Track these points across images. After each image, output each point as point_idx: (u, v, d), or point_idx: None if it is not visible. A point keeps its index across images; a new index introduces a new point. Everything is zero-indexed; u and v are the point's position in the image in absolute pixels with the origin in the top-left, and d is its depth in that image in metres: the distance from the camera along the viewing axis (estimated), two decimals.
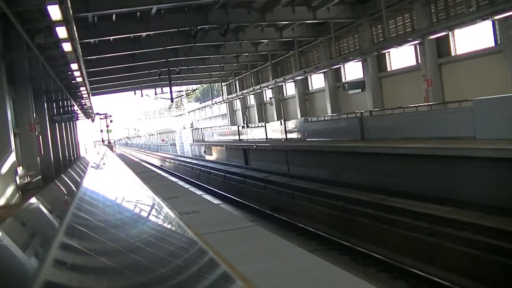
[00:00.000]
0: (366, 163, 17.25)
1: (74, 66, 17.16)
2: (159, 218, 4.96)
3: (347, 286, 3.97)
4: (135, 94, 47.58)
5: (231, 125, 47.82)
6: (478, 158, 12.13)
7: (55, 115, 27.63)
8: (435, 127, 15.57)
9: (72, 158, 34.86)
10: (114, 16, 21.61)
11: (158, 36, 26.26)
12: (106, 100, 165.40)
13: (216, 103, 52.59)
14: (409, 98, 21.94)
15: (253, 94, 42.69)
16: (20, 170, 17.01)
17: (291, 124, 28.49)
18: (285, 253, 5.04)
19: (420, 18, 21.62)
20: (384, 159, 16.10)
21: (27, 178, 17.90)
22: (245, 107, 48.25)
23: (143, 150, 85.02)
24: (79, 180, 8.76)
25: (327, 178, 19.43)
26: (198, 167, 34.94)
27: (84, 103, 37.53)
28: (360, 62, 26.89)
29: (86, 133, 69.07)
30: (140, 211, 5.39)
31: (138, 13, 21.87)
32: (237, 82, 47.48)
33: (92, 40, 23.89)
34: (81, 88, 26.30)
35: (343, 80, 30.25)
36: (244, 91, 43.11)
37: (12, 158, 15.36)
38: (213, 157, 40.94)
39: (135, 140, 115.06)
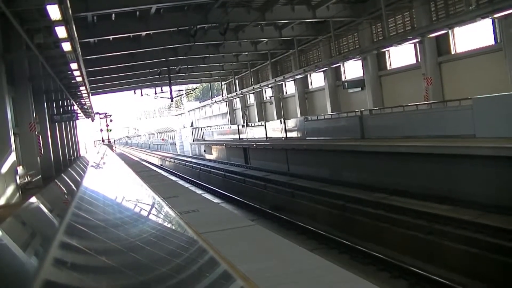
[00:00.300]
0: (366, 162, 17.24)
1: (73, 65, 17.16)
2: (159, 217, 4.96)
3: (347, 285, 3.97)
4: (135, 93, 47.63)
5: (231, 124, 47.85)
6: (478, 156, 12.12)
7: (55, 114, 27.63)
8: (435, 126, 15.56)
9: (72, 158, 34.87)
10: (113, 15, 21.61)
11: (158, 35, 26.26)
12: (106, 100, 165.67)
13: (216, 102, 52.60)
14: (409, 97, 21.92)
15: (253, 93, 42.70)
16: (20, 169, 17.02)
17: (291, 123, 28.49)
18: (285, 252, 5.04)
19: (420, 17, 21.61)
20: (384, 157, 16.09)
21: (27, 178, 17.91)
22: (245, 106, 48.25)
23: (143, 149, 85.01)
24: (79, 180, 8.76)
25: (327, 177, 19.42)
26: (198, 166, 34.93)
27: (84, 102, 37.55)
28: (360, 61, 26.87)
29: (86, 132, 69.11)
30: (140, 210, 5.40)
31: (138, 13, 21.87)
32: (237, 81, 47.49)
33: (91, 40, 23.90)
34: (81, 88, 26.32)
35: (343, 79, 30.24)
36: (244, 90, 43.11)
37: (12, 157, 15.37)
38: (213, 156, 40.95)
39: (135, 140, 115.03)
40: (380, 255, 10.18)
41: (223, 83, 51.25)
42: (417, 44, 22.04)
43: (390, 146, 15.83)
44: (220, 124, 52.00)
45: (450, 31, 19.65)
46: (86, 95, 31.36)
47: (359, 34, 27.13)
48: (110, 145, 50.43)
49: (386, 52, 25.22)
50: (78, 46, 14.76)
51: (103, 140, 55.44)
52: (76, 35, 13.07)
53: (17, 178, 15.68)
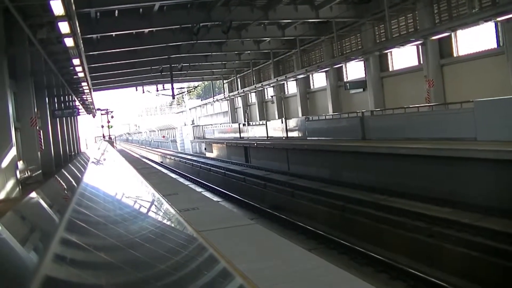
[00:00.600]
0: (366, 163, 17.24)
1: (76, 61, 17.16)
2: (159, 215, 4.97)
3: (345, 286, 3.98)
4: (136, 90, 47.62)
5: (232, 123, 47.84)
6: (479, 159, 12.11)
7: (56, 110, 27.60)
8: (436, 128, 15.56)
9: (73, 153, 34.85)
10: (116, 12, 21.60)
11: (161, 32, 26.25)
12: (107, 96, 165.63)
13: (217, 100, 52.58)
14: (410, 99, 21.93)
15: (255, 92, 42.69)
16: (20, 164, 17.01)
17: (292, 123, 28.49)
18: (284, 252, 5.05)
19: (423, 19, 21.58)
20: (384, 159, 16.08)
21: (28, 173, 17.89)
22: (246, 105, 48.23)
23: (144, 146, 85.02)
24: (80, 176, 8.77)
25: (327, 177, 19.43)
26: (198, 164, 34.92)
27: (85, 98, 37.50)
28: (362, 62, 26.84)
29: (87, 128, 69.12)
30: (141, 207, 5.40)
31: (141, 9, 21.88)
32: (238, 79, 47.46)
33: (94, 36, 23.91)
34: (83, 84, 26.30)
35: (345, 80, 30.21)
36: (245, 89, 43.08)
37: (12, 152, 15.35)
38: (214, 154, 40.95)
39: (135, 136, 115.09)
40: (379, 256, 10.17)
41: (225, 81, 51.23)
42: (420, 46, 22.02)
43: (390, 148, 15.83)
44: (221, 123, 52.00)
45: (452, 34, 19.64)
46: (88, 91, 31.34)
47: (362, 35, 27.11)
48: (110, 142, 50.50)
49: (389, 54, 25.20)
50: (81, 42, 14.75)
51: (104, 136, 55.47)
52: (79, 31, 13.06)
53: (17, 172, 15.67)
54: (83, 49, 16.07)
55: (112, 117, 54.81)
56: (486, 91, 17.50)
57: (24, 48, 18.88)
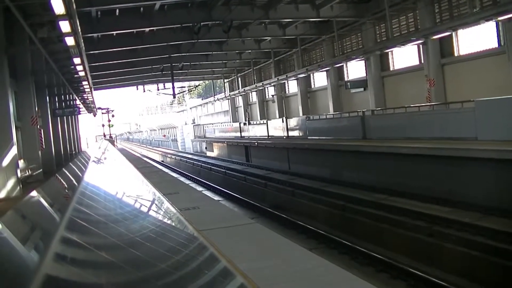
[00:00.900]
0: (367, 162, 17.24)
1: (76, 60, 17.16)
2: (160, 214, 4.97)
3: (346, 285, 3.98)
4: (137, 89, 47.57)
5: (232, 122, 47.84)
6: (480, 159, 12.11)
7: (57, 109, 27.63)
8: (437, 127, 15.55)
9: (74, 152, 34.89)
10: (117, 11, 21.61)
11: (161, 31, 26.26)
12: (108, 95, 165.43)
13: (218, 99, 52.58)
14: (411, 98, 21.92)
15: (255, 91, 42.69)
16: (21, 163, 17.03)
17: (292, 122, 28.49)
18: (285, 251, 5.05)
19: (424, 18, 21.56)
20: (385, 158, 16.09)
21: (28, 171, 17.91)
22: (247, 104, 48.22)
23: (145, 145, 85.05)
24: (80, 175, 8.78)
25: (328, 177, 19.43)
26: (199, 163, 34.94)
27: (86, 97, 37.52)
28: (363, 61, 26.83)
29: (88, 127, 69.15)
30: (141, 206, 5.41)
31: (142, 9, 21.88)
32: (239, 79, 47.45)
33: (95, 35, 23.92)
34: (84, 83, 26.31)
35: (346, 79, 30.19)
36: (246, 88, 43.08)
37: (13, 151, 15.37)
38: (214, 153, 40.97)
39: (136, 135, 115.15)
40: (379, 256, 10.17)
41: (225, 80, 51.21)
42: (421, 46, 22.00)
43: (391, 147, 15.82)
44: (222, 122, 52.01)
45: (453, 33, 19.63)
46: (89, 90, 31.33)
47: (363, 35, 27.09)
48: (111, 140, 50.51)
49: (389, 53, 25.19)
50: (82, 41, 14.75)
51: (104, 135, 55.50)
52: (79, 30, 13.06)
53: (18, 171, 15.69)
54: (83, 48, 16.07)
55: (112, 116, 54.85)
56: (487, 90, 17.48)
57: (25, 47, 18.89)
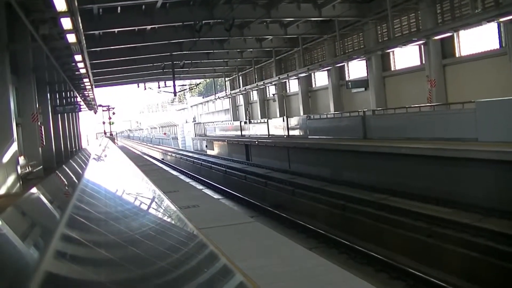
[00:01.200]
0: (367, 162, 17.24)
1: (78, 57, 17.16)
2: (160, 212, 4.97)
3: (345, 285, 3.98)
4: (138, 87, 47.65)
5: (233, 121, 47.83)
6: (480, 160, 12.11)
7: (57, 106, 27.65)
8: (438, 128, 15.55)
9: (74, 149, 34.89)
10: (119, 8, 21.61)
11: (163, 29, 26.25)
12: (109, 92, 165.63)
13: (219, 98, 52.58)
14: (412, 98, 21.91)
15: (256, 90, 42.71)
16: (21, 159, 17.02)
17: (293, 121, 28.49)
18: (285, 250, 5.05)
19: (425, 19, 21.55)
20: (385, 158, 16.09)
21: (28, 168, 17.91)
22: (248, 103, 48.23)
23: (145, 143, 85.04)
24: (81, 172, 8.78)
25: (328, 176, 19.43)
26: (199, 161, 34.95)
27: (87, 94, 37.54)
28: (364, 61, 26.85)
29: (88, 124, 69.15)
30: (141, 204, 5.41)
31: (143, 6, 21.87)
32: (240, 77, 47.43)
33: (96, 32, 23.91)
34: (85, 80, 26.32)
35: (347, 79, 30.19)
36: (247, 87, 43.10)
37: (14, 147, 15.38)
38: (215, 152, 40.97)
39: (137, 133, 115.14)
40: (379, 255, 10.17)
41: (226, 79, 51.20)
42: (422, 46, 22.00)
43: (391, 147, 15.83)
44: (223, 120, 52.00)
45: (455, 34, 19.63)
46: (90, 87, 31.36)
47: (364, 34, 27.09)
48: (112, 138, 50.50)
49: (391, 53, 25.18)
50: (83, 38, 14.75)
51: (105, 133, 55.49)
52: (81, 27, 13.06)
53: (18, 168, 15.69)
54: (85, 45, 16.07)
55: (113, 113, 54.83)
56: (488, 91, 17.49)
57: (26, 43, 18.89)
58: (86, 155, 17.82)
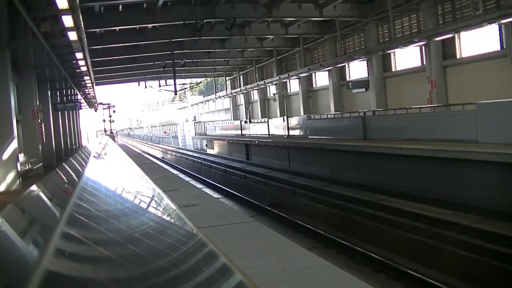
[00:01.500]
0: (367, 162, 17.24)
1: (79, 55, 17.17)
2: (159, 210, 4.98)
3: (344, 285, 3.99)
4: (139, 85, 47.62)
5: (233, 120, 47.82)
6: (480, 161, 12.11)
7: (58, 103, 27.64)
8: (438, 129, 15.55)
9: (74, 147, 34.90)
10: (120, 6, 21.60)
11: (164, 28, 26.23)
12: (109, 90, 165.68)
13: (219, 97, 52.59)
14: (412, 99, 21.92)
15: (257, 89, 42.72)
16: (21, 157, 17.02)
17: (293, 121, 28.48)
18: (283, 250, 5.06)
19: (427, 20, 21.56)
20: (385, 159, 16.09)
21: (28, 165, 17.91)
22: (249, 102, 48.24)
23: (145, 142, 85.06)
24: (81, 170, 8.78)
25: (328, 176, 19.43)
26: (199, 160, 34.96)
27: (87, 92, 37.55)
28: (365, 61, 26.86)
29: (89, 122, 69.22)
30: (141, 202, 5.42)
31: (145, 5, 21.88)
32: (241, 77, 47.43)
33: (97, 30, 23.91)
34: (85, 78, 26.34)
35: (347, 79, 30.20)
36: (248, 86, 43.11)
37: (14, 144, 15.37)
38: (215, 151, 40.97)
39: (137, 131, 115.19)
40: (377, 256, 10.18)
41: (227, 78, 51.20)
42: (423, 47, 22.02)
43: (391, 148, 15.83)
44: (223, 120, 51.99)
45: (456, 35, 19.63)
46: (90, 85, 31.37)
47: (365, 35, 27.09)
48: (112, 136, 50.53)
49: (392, 54, 25.18)
50: (84, 36, 14.76)
51: (105, 131, 55.52)
52: (82, 25, 13.07)
53: (18, 165, 15.69)
54: (86, 43, 16.08)
55: (114, 111, 54.86)
56: (489, 93, 17.49)
57: (28, 41, 18.88)
58: (86, 153, 17.83)
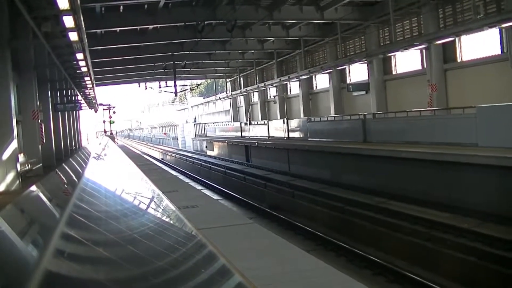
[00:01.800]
0: (367, 165, 17.24)
1: (79, 55, 17.19)
2: (159, 211, 4.97)
3: (343, 287, 3.98)
4: (139, 86, 47.69)
5: (233, 122, 47.84)
6: (479, 165, 12.11)
7: (58, 103, 27.62)
8: (438, 133, 15.56)
9: (74, 148, 34.88)
10: (121, 7, 21.64)
11: (165, 29, 26.29)
12: (109, 91, 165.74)
13: (219, 98, 52.60)
14: (413, 102, 21.93)
15: (257, 91, 42.74)
16: (21, 157, 17.01)
17: (293, 123, 28.49)
18: (283, 252, 5.05)
19: (427, 23, 21.59)
20: (385, 162, 16.08)
21: (28, 166, 17.90)
22: (249, 104, 48.27)
23: (145, 143, 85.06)
24: (80, 170, 8.78)
25: (327, 179, 19.43)
26: (199, 162, 34.96)
27: (88, 93, 37.58)
28: (366, 64, 26.90)
29: (89, 123, 69.25)
30: (141, 203, 5.41)
31: (146, 6, 21.91)
32: (241, 78, 47.46)
33: (98, 31, 23.94)
34: (86, 78, 26.37)
35: (348, 82, 30.24)
36: (248, 88, 43.14)
37: (14, 144, 15.35)
38: (215, 152, 40.97)
39: (137, 133, 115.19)
40: (376, 259, 10.17)
41: (227, 80, 51.25)
42: (423, 50, 22.04)
43: (391, 151, 15.83)
44: (223, 121, 52.01)
45: (457, 39, 19.65)
46: (91, 85, 31.39)
47: (366, 38, 27.13)
48: (112, 137, 50.54)
49: (392, 57, 25.21)
50: (85, 36, 14.78)
51: (105, 132, 55.53)
52: (83, 25, 13.08)
53: (18, 165, 15.67)
54: (87, 43, 16.10)
55: (114, 112, 54.87)
56: (489, 97, 17.49)
57: (28, 41, 18.87)
58: (86, 153, 17.83)
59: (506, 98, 15.99)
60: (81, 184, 5.58)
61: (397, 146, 16.34)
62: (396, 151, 15.60)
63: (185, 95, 71.47)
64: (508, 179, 11.38)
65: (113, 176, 9.46)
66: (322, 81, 34.15)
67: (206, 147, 45.18)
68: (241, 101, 50.05)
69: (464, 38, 19.86)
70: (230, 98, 50.23)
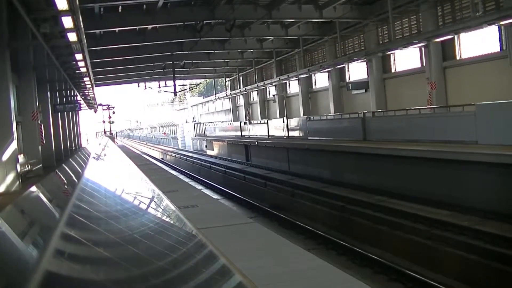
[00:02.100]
0: (367, 163, 17.24)
1: (78, 56, 17.17)
2: (159, 211, 4.97)
3: (344, 286, 3.98)
4: (138, 86, 47.67)
5: (233, 121, 47.81)
6: (479, 163, 12.11)
7: (58, 104, 27.61)
8: (437, 131, 15.55)
9: (74, 148, 34.87)
10: (120, 7, 21.62)
11: (164, 29, 26.26)
12: (109, 91, 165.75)
13: (219, 98, 52.58)
14: (412, 100, 21.92)
15: (257, 90, 42.72)
16: (21, 158, 17.01)
17: (293, 122, 28.47)
18: (283, 251, 5.06)
19: (426, 21, 21.58)
20: (385, 160, 16.08)
21: (28, 166, 17.90)
22: (248, 103, 48.24)
23: (145, 143, 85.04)
24: (80, 171, 8.77)
25: (327, 177, 19.43)
26: (199, 161, 34.95)
27: (87, 93, 37.56)
28: (365, 63, 26.88)
29: (88, 123, 69.24)
30: (141, 203, 5.41)
31: (145, 6, 21.89)
32: (241, 78, 47.44)
33: (97, 31, 23.91)
34: (85, 79, 26.33)
35: (347, 80, 30.21)
36: (247, 87, 43.11)
37: (13, 145, 15.35)
38: (214, 152, 40.96)
39: (137, 132, 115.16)
40: (377, 257, 10.18)
41: (227, 79, 51.22)
42: (423, 48, 22.03)
43: (391, 149, 15.81)
44: (223, 121, 52.00)
45: (456, 37, 19.64)
46: (90, 86, 31.36)
47: (365, 36, 27.10)
48: (111, 137, 50.55)
49: (391, 55, 25.20)
50: (84, 37, 14.76)
51: (105, 132, 55.54)
52: (82, 26, 13.07)
53: (18, 166, 15.67)
54: (86, 44, 16.08)
55: (113, 112, 54.90)
56: (489, 94, 17.48)
57: (27, 41, 18.87)
58: (86, 154, 17.82)
59: (506, 96, 15.99)
60: (81, 184, 5.57)
61: (397, 144, 16.33)
62: (396, 149, 15.59)
63: (185, 95, 71.52)
64: (508, 177, 11.37)
65: (113, 176, 9.46)
66: (321, 80, 34.13)
67: (206, 146, 45.17)
68: (241, 100, 50.03)
69: (463, 35, 19.86)
70: (229, 98, 50.20)
